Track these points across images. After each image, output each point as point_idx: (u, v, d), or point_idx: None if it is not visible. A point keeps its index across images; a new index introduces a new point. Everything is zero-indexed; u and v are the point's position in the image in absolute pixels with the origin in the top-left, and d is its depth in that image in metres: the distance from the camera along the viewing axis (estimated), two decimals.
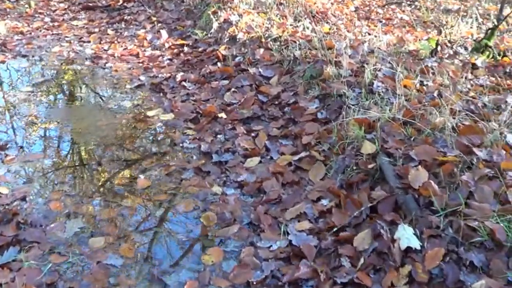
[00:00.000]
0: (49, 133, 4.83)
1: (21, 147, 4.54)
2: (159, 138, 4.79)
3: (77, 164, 4.36)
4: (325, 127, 4.43)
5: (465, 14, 8.89)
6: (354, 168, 3.74)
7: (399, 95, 4.30)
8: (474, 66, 5.44)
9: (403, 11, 9.27)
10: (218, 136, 4.70)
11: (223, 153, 4.45)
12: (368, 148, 3.78)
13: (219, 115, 4.96)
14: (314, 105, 4.83)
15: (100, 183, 4.03)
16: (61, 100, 5.60)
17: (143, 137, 4.84)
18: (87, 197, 3.82)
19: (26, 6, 8.98)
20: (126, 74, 6.05)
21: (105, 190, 3.94)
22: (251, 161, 4.26)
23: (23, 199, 3.74)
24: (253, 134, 4.64)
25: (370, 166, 3.62)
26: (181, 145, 4.64)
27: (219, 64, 5.90)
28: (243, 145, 4.47)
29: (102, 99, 5.63)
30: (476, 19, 7.46)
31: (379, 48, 5.75)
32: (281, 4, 7.59)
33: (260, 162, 4.25)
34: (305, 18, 7.11)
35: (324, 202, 3.62)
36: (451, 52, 5.74)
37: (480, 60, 5.53)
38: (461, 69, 5.24)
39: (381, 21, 8.44)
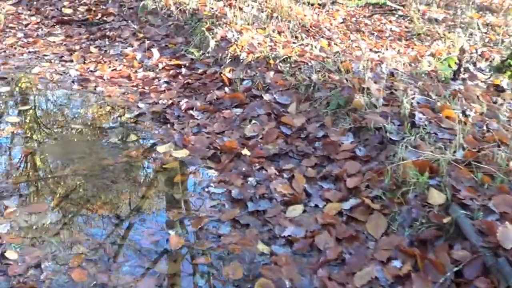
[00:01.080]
0: (49, 175, 4.22)
1: (21, 195, 3.90)
2: (178, 181, 4.18)
3: (90, 217, 3.75)
4: (367, 166, 4.00)
5: (452, 23, 8.68)
6: (423, 221, 3.24)
7: (448, 129, 3.98)
8: (499, 88, 5.03)
9: (390, 22, 8.71)
10: (248, 178, 4.15)
11: (258, 200, 3.90)
12: (437, 197, 3.30)
13: (242, 152, 4.41)
14: (348, 140, 4.35)
15: (124, 242, 3.45)
16: (54, 133, 4.94)
17: (159, 181, 4.25)
18: (113, 262, 3.21)
19: None
20: (121, 100, 5.41)
21: (132, 253, 3.35)
22: (293, 210, 3.75)
23: (37, 266, 3.13)
24: (285, 175, 4.17)
25: (445, 220, 3.12)
26: (206, 189, 4.07)
27: (226, 89, 5.34)
28: (279, 190, 3.94)
29: (101, 132, 4.98)
30: (478, 29, 6.99)
31: (396, 69, 5.30)
32: (272, 17, 7.07)
33: (305, 211, 3.73)
34: (300, 33, 6.40)
35: (396, 264, 3.10)
36: (470, 72, 5.17)
37: (505, 81, 5.12)
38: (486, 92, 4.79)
39: (372, 33, 7.83)
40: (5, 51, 7.03)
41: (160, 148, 4.54)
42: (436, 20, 9.23)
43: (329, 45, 6.67)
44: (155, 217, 3.76)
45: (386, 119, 4.26)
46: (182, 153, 4.42)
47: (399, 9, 9.93)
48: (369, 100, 4.52)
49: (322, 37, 7.18)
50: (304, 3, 8.86)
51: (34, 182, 4.08)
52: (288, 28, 6.91)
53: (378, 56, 5.98)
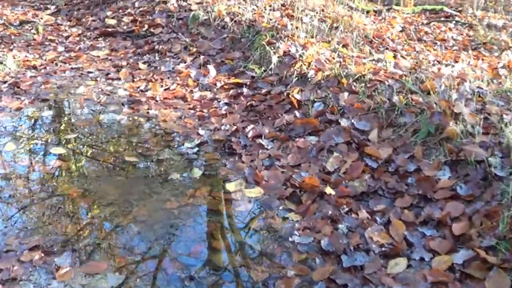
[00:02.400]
0: (106, 223, 3.64)
1: (74, 250, 3.32)
2: (256, 229, 3.62)
3: (158, 278, 3.17)
4: (471, 207, 3.43)
5: None
6: None
7: None
8: None
9: (450, 29, 8.01)
10: (337, 225, 3.58)
11: (353, 252, 3.31)
12: None
13: (325, 190, 3.81)
14: (445, 175, 3.77)
15: None
16: (107, 168, 4.33)
17: (234, 228, 3.67)
18: None
19: (33, 31, 7.55)
20: (178, 126, 4.76)
21: None
22: (395, 265, 3.16)
23: None
24: (377, 218, 3.62)
25: None
26: (290, 239, 3.48)
27: (296, 113, 4.66)
28: (376, 239, 3.36)
29: (159, 165, 4.39)
30: None
31: (480, 87, 4.65)
32: (335, 28, 6.50)
33: (409, 265, 3.17)
34: (363, 45, 5.74)
35: None
36: None
37: None
38: None
39: (435, 43, 7.17)
40: (45, 67, 6.44)
41: (230, 186, 3.96)
42: (495, 26, 8.48)
43: (395, 57, 6.09)
44: (233, 276, 3.18)
45: (486, 150, 3.69)
46: (256, 192, 3.83)
47: (456, 15, 9.22)
48: (464, 128, 3.94)
49: (386, 48, 6.56)
50: (357, 9, 8.13)
51: (89, 233, 3.50)
52: (352, 40, 6.28)
53: (452, 70, 5.28)
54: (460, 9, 9.95)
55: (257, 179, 3.96)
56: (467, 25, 8.80)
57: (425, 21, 8.89)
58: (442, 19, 9.09)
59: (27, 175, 4.11)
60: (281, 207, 3.77)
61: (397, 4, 9.60)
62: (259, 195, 3.83)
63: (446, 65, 5.85)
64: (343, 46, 5.88)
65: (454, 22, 8.97)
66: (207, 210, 3.71)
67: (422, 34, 8.03)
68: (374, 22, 7.96)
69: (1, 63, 6.19)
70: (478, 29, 8.27)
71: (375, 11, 8.72)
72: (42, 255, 3.19)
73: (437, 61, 6.16)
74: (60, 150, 4.43)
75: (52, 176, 4.12)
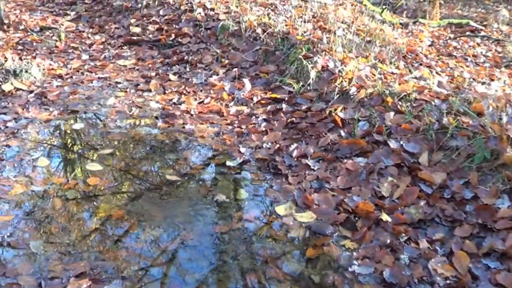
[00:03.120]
0: (153, 248, 3.49)
1: (124, 277, 3.14)
2: (312, 258, 3.45)
3: None
4: None
5: None
6: None
7: None
8: None
9: (478, 44, 7.84)
10: (398, 255, 3.40)
11: (417, 285, 3.14)
12: None
13: (381, 217, 3.65)
14: (504, 204, 3.60)
15: None
16: (148, 187, 4.15)
17: (289, 256, 3.49)
18: None
19: (55, 38, 7.35)
20: (217, 143, 4.57)
21: None
22: None
23: None
24: (438, 248, 3.45)
25: None
26: (349, 269, 3.30)
27: (341, 132, 4.43)
28: (440, 272, 3.18)
29: (202, 185, 4.21)
30: None
31: None
32: (368, 42, 6.31)
33: None
34: (397, 60, 5.55)
35: None
36: None
37: None
38: None
39: (466, 58, 6.97)
40: (71, 76, 6.24)
41: (279, 209, 3.77)
42: None
43: (430, 73, 5.88)
44: None
45: None
46: (308, 217, 3.66)
47: (481, 29, 9.04)
48: None
49: (420, 64, 6.35)
50: (385, 22, 7.95)
51: (137, 258, 3.32)
52: (387, 55, 6.08)
53: (496, 89, 5.28)
54: (485, 23, 9.74)
55: (307, 203, 3.78)
56: (493, 40, 8.54)
57: (451, 35, 8.65)
58: (469, 33, 8.85)
59: (64, 194, 3.93)
60: (335, 234, 3.59)
61: (422, 17, 9.39)
62: (311, 220, 3.65)
63: (482, 83, 5.62)
64: (380, 61, 5.63)
65: (480, 37, 8.71)
66: (258, 235, 3.47)
67: (451, 49, 7.80)
68: (401, 36, 7.73)
69: (26, 71, 5.95)
70: (506, 44, 8.03)
71: (401, 24, 8.53)
72: (90, 283, 2.99)
73: (473, 79, 5.90)
74: (96, 166, 4.23)
75: (91, 195, 3.94)
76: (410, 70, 5.52)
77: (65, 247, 3.32)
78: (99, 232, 3.51)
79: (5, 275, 3.04)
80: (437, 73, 6.12)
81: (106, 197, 3.88)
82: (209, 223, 3.61)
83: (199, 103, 5.51)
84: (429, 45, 7.94)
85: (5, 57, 6.40)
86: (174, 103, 5.52)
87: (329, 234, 3.57)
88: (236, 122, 5.00)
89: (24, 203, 3.80)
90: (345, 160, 4.25)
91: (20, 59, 6.51)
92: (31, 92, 5.70)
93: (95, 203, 3.76)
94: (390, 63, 5.80)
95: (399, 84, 4.94)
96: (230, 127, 4.90)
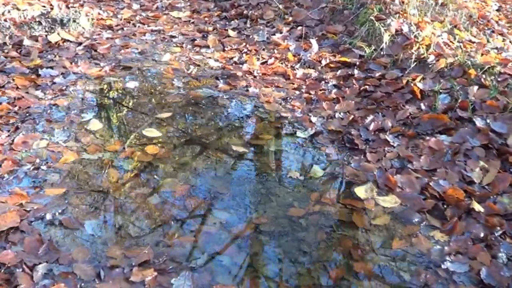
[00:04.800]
0: (224, 233, 3.14)
1: (193, 268, 2.80)
2: (399, 250, 3.07)
3: None
4: None
5: None
6: None
7: None
8: None
9: None
10: (495, 252, 3.00)
11: None
12: None
13: (473, 206, 3.25)
14: None
15: None
16: (212, 159, 3.79)
17: (374, 247, 3.12)
18: None
19: None
20: (285, 110, 4.22)
21: None
22: None
23: None
24: None
25: None
26: (442, 266, 2.91)
27: (421, 105, 3.95)
28: None
29: (272, 158, 3.87)
30: None
31: None
32: (441, 5, 5.88)
33: None
34: (470, 26, 5.10)
35: None
36: None
37: None
38: None
39: None
40: (122, 28, 5.86)
41: (359, 191, 3.36)
42: None
43: (503, 41, 5.45)
44: None
45: None
46: (391, 201, 3.26)
47: None
48: None
49: (493, 31, 5.78)
50: None
51: (207, 245, 3.01)
52: (460, 20, 5.62)
53: None
54: None
55: (390, 185, 3.40)
56: None
57: None
58: None
59: (120, 164, 3.56)
60: (423, 223, 3.18)
61: None
62: (395, 205, 3.26)
63: None
64: (454, 27, 5.12)
65: None
66: (338, 222, 3.07)
67: None
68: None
69: (74, 21, 5.55)
70: None
71: None
72: (156, 274, 2.65)
73: None
74: (154, 132, 3.83)
75: (150, 166, 3.58)
76: (488, 39, 4.96)
77: (125, 230, 2.94)
78: (162, 212, 3.18)
79: (59, 262, 2.72)
80: (510, 42, 5.55)
81: (166, 169, 3.50)
82: (283, 204, 3.23)
83: (262, 63, 5.10)
84: (496, 10, 7.33)
85: (51, 4, 6.00)
86: (235, 62, 5.12)
87: (416, 223, 3.12)
88: (304, 86, 4.59)
89: (76, 173, 3.44)
90: (427, 137, 3.83)
91: (67, 7, 6.12)
92: (80, 44, 5.31)
93: (155, 176, 3.33)
94: (465, 29, 5.22)
95: (482, 55, 4.38)
96: (297, 92, 4.50)
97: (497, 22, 6.28)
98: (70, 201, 3.13)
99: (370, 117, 4.07)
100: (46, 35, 5.30)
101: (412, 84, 4.29)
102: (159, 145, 3.79)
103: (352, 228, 3.11)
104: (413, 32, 4.84)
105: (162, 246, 2.86)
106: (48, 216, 3.01)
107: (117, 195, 3.18)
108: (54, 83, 4.49)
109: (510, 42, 5.61)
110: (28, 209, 3.03)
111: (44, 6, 6.00)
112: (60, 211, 3.06)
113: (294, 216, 3.14)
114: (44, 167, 3.43)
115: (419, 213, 3.24)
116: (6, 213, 2.90)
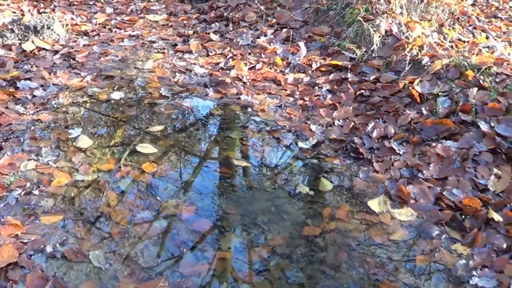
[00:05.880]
0: (239, 256, 2.97)
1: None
2: (423, 266, 2.95)
3: None
4: None
5: None
6: None
7: None
8: None
9: None
10: None
11: None
12: None
13: (492, 215, 3.14)
14: None
15: None
16: (215, 176, 3.58)
17: (398, 265, 2.96)
18: None
19: None
20: (281, 118, 4.03)
21: None
22: None
23: None
24: None
25: None
26: (470, 281, 2.79)
27: (422, 109, 3.78)
28: None
29: (276, 173, 3.68)
30: None
31: None
32: (421, 2, 5.66)
33: None
34: (453, 23, 5.00)
35: None
36: None
37: None
38: None
39: None
40: (98, 34, 5.62)
41: (373, 205, 3.22)
42: None
43: (487, 38, 5.34)
44: None
45: None
46: (407, 214, 3.16)
47: None
48: None
49: (474, 28, 5.71)
50: None
51: (226, 275, 2.77)
52: (443, 18, 5.53)
53: None
54: None
55: (403, 196, 3.27)
56: None
57: None
58: None
59: (118, 185, 3.36)
60: (443, 236, 3.08)
61: None
62: (411, 218, 3.14)
63: None
64: (441, 25, 5.02)
65: None
66: (356, 239, 2.91)
67: (494, 9, 7.15)
68: None
69: (48, 27, 5.30)
70: None
71: None
72: None
73: None
74: (148, 148, 3.64)
75: (150, 187, 3.37)
76: (474, 36, 4.87)
77: (133, 259, 2.71)
78: (170, 237, 2.97)
79: None
80: (494, 38, 5.48)
81: (168, 189, 3.32)
82: (296, 222, 3.08)
83: (250, 68, 4.91)
84: (471, 4, 7.28)
85: (22, 10, 5.72)
86: (222, 68, 4.93)
87: (436, 236, 3.00)
88: (297, 93, 4.44)
89: (71, 197, 3.21)
90: (433, 144, 3.70)
91: (39, 12, 5.85)
92: (56, 52, 5.07)
93: (158, 199, 3.14)
94: (450, 27, 5.12)
95: (476, 54, 4.28)
96: (291, 98, 4.35)
97: (477, 17, 6.18)
98: (69, 229, 2.91)
99: (371, 124, 3.95)
100: (20, 43, 5.03)
101: (410, 88, 4.14)
102: (155, 162, 3.56)
103: (372, 246, 2.95)
104: (404, 33, 4.68)
105: (178, 277, 2.61)
106: (49, 248, 2.78)
107: (119, 220, 2.95)
108: (35, 96, 4.26)
109: (493, 38, 5.50)
110: (25, 240, 2.79)
111: (14, 12, 5.73)
112: (60, 241, 2.85)
113: (310, 235, 2.93)
114: (36, 192, 3.17)
115: (437, 225, 3.12)
116: (1, 246, 2.66)
